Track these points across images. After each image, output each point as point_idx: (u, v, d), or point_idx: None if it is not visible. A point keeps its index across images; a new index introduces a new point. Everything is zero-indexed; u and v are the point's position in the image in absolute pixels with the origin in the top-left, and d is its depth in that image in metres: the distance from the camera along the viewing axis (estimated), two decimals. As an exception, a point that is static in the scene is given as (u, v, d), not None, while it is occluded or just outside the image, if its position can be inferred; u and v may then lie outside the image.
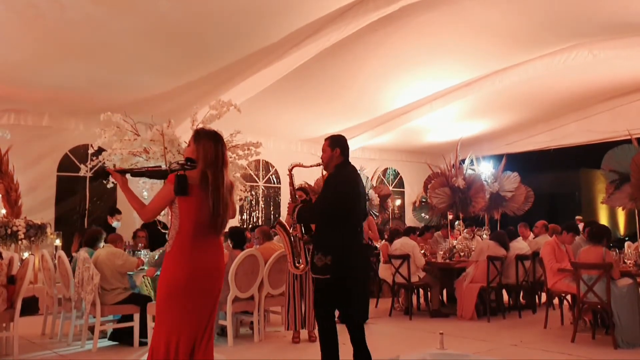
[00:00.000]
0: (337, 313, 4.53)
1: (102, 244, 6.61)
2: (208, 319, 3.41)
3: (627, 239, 13.83)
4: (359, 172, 4.79)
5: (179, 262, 3.32)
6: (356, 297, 4.51)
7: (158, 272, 5.83)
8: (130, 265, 6.12)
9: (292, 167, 4.96)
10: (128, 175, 3.54)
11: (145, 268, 6.47)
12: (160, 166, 3.39)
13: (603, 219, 23.25)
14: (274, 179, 13.04)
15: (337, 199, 4.42)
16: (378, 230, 10.50)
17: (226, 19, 7.16)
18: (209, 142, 3.42)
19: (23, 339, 6.13)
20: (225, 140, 7.45)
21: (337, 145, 4.58)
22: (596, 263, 5.98)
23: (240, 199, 7.65)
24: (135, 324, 6.02)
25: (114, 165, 6.71)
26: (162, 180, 3.73)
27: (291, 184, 4.98)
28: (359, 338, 4.42)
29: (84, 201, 10.43)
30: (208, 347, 3.41)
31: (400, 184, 15.51)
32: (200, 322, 3.36)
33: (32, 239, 8.35)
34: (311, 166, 4.88)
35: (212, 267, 3.40)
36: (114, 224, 8.64)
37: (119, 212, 8.90)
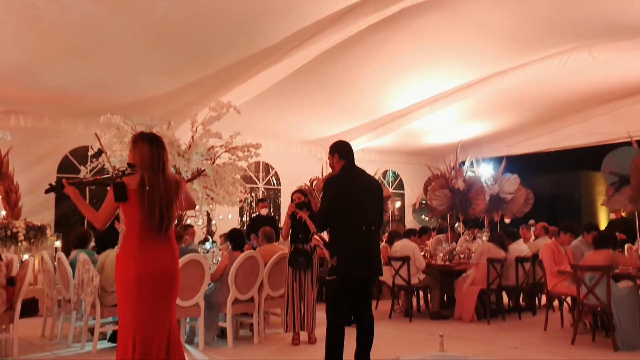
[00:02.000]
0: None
1: (92, 244, 6.62)
2: (165, 320, 3.43)
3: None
4: (362, 171, 4.81)
5: (127, 264, 3.42)
6: (365, 298, 4.59)
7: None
8: None
9: (312, 182, 5.15)
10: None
11: None
12: (108, 173, 3.52)
13: (603, 221, 23.22)
14: (274, 181, 13.04)
15: (331, 203, 4.55)
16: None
17: (226, 20, 7.16)
18: (145, 145, 3.50)
19: (23, 341, 6.12)
20: (225, 141, 7.49)
21: (335, 151, 4.74)
22: (596, 265, 5.98)
23: (241, 201, 7.65)
24: (135, 325, 6.00)
25: (113, 167, 6.72)
26: None
27: (316, 197, 5.22)
28: (365, 341, 4.48)
29: (84, 202, 10.41)
30: (175, 349, 3.43)
31: (400, 185, 15.50)
32: (156, 323, 3.39)
33: (32, 240, 8.35)
34: (325, 177, 4.99)
35: (162, 267, 3.45)
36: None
37: None
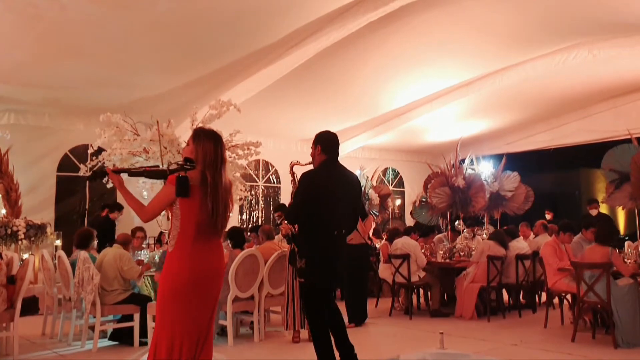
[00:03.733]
0: None
1: (94, 243, 6.63)
2: (209, 319, 3.42)
3: (627, 238, 13.82)
4: (344, 169, 4.52)
5: (181, 262, 3.33)
6: (332, 301, 4.41)
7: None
8: (133, 274, 6.09)
9: (292, 166, 4.96)
10: (125, 175, 3.57)
11: (149, 272, 6.49)
12: (158, 166, 3.37)
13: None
14: (274, 179, 13.04)
15: (304, 200, 4.29)
16: (375, 230, 10.49)
17: (226, 18, 7.16)
18: (209, 142, 3.41)
19: (23, 339, 6.13)
20: (225, 140, 7.47)
21: (318, 142, 4.43)
22: (596, 262, 5.98)
23: (240, 199, 7.65)
24: (135, 323, 6.02)
25: (114, 165, 6.71)
26: (162, 180, 3.73)
27: (293, 181, 4.96)
28: (338, 327, 4.35)
29: (84, 201, 10.44)
30: (208, 346, 3.43)
31: (400, 183, 15.51)
32: (202, 321, 3.37)
33: (32, 239, 8.35)
34: (306, 164, 4.69)
35: (213, 267, 3.41)
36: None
37: (120, 208, 8.95)
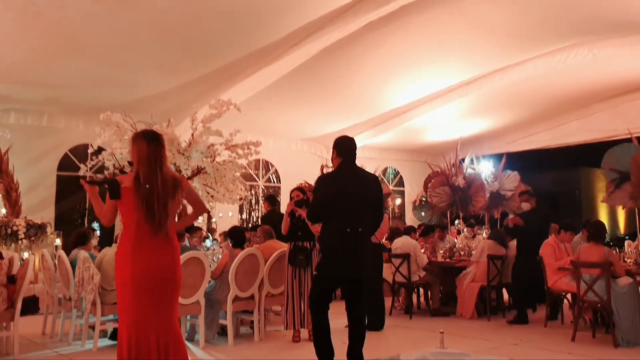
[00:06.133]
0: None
1: (94, 241, 6.63)
2: (165, 321, 3.40)
3: (627, 237, 13.82)
4: (361, 170, 4.77)
5: (123, 261, 3.41)
6: (351, 298, 4.53)
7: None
8: None
9: (322, 168, 5.23)
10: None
11: None
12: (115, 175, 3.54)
13: (603, 218, 23.27)
14: (274, 178, 13.03)
15: (317, 201, 4.59)
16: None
17: (226, 17, 7.16)
18: (142, 142, 3.49)
19: (23, 339, 6.13)
20: (225, 139, 7.48)
21: (334, 147, 4.70)
22: (596, 262, 5.98)
23: (241, 199, 7.65)
24: (136, 323, 6.01)
25: (113, 165, 6.73)
26: None
27: None
28: (353, 338, 4.45)
29: (84, 200, 10.43)
30: (179, 349, 3.41)
31: (401, 183, 15.49)
32: (154, 323, 3.36)
33: (32, 238, 8.35)
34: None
35: (159, 266, 3.41)
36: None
37: None
